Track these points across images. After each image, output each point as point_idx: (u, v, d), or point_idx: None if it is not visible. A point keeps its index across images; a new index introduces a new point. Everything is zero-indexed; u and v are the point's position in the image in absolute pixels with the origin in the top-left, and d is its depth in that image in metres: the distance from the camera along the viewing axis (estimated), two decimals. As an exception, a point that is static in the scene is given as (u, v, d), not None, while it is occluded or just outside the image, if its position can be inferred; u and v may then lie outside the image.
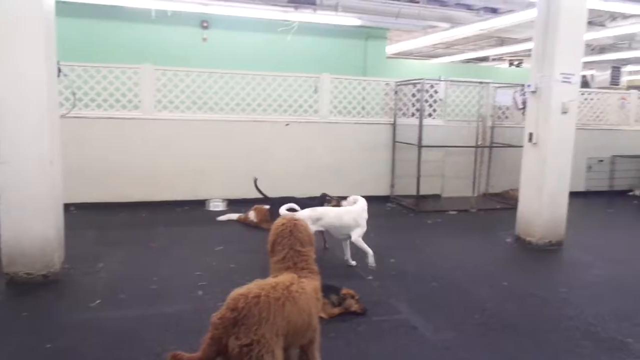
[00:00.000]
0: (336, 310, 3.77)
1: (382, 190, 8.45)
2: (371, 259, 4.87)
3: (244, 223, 6.49)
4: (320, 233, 5.22)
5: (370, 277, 4.69)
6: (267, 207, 6.54)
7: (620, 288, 4.69)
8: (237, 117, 7.71)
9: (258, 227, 6.27)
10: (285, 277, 2.47)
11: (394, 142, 8.37)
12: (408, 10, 8.90)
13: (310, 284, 2.53)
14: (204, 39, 10.24)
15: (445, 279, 4.75)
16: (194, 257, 5.14)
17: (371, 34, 11.34)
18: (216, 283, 4.32)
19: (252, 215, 6.44)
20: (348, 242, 5.05)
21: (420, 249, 5.79)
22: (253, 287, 2.35)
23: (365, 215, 4.99)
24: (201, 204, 7.44)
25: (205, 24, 10.17)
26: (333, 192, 8.03)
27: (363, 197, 8.22)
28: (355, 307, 3.82)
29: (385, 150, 8.41)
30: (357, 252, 4.98)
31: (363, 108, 8.38)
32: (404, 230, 6.72)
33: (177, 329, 3.51)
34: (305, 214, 4.79)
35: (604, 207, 8.79)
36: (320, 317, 3.55)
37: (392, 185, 8.47)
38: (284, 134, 7.88)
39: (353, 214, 4.95)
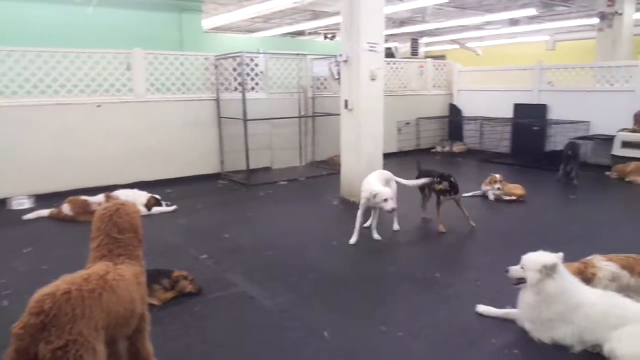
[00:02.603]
0: (169, 295, 3.60)
1: (212, 167, 8.27)
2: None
3: (57, 219, 5.79)
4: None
5: (204, 256, 4.57)
6: (84, 198, 5.94)
7: (429, 233, 5.35)
8: (35, 100, 6.74)
9: (74, 221, 5.64)
10: (98, 267, 2.25)
11: (219, 117, 8.20)
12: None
13: (130, 270, 2.34)
14: (-17, 12, 8.70)
15: (279, 246, 4.87)
16: (-5, 264, 4.43)
17: (185, 6, 10.85)
18: (25, 289, 3.72)
19: (66, 208, 5.76)
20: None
21: (253, 222, 5.84)
22: (60, 283, 2.10)
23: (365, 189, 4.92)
24: (1, 203, 6.42)
25: (-19, -6, 8.62)
26: (160, 175, 7.67)
27: (192, 177, 8.06)
28: (189, 287, 3.69)
29: (211, 127, 8.20)
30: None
31: (183, 84, 8.01)
32: (236, 205, 6.69)
33: (-23, 350, 2.98)
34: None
35: (413, 164, 9.84)
36: (152, 304, 3.37)
37: (222, 162, 8.34)
38: (96, 117, 7.15)
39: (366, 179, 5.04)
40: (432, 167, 5.96)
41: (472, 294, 3.72)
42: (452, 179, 5.27)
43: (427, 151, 11.07)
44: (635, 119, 8.01)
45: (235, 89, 8.21)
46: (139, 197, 6.09)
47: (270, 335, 3.16)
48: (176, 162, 7.88)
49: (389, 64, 10.69)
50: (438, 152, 11.02)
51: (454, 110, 11.50)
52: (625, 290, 3.28)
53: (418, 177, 5.63)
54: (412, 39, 15.47)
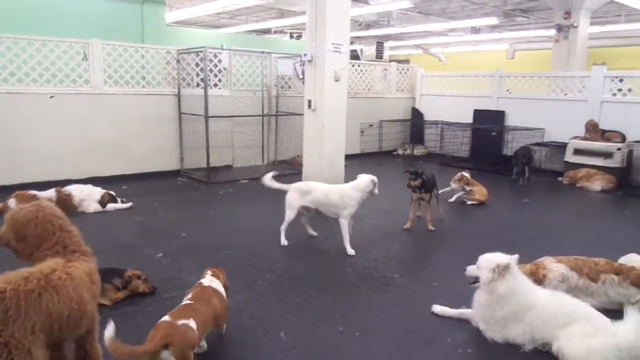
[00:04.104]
0: (121, 295, 3.48)
1: (171, 164, 8.09)
2: (348, 248, 4.65)
3: (1, 214, 5.51)
4: (307, 212, 4.93)
5: (159, 255, 4.45)
6: (33, 192, 5.68)
7: (387, 234, 5.38)
8: (-17, 89, 6.42)
9: (23, 216, 5.38)
10: (45, 265, 2.13)
11: (180, 113, 8.02)
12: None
13: (82, 267, 2.22)
14: None
15: (237, 246, 4.79)
16: None
17: (147, -2, 10.58)
18: (-35, 287, 3.57)
19: (12, 203, 5.47)
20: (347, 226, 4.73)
21: (212, 220, 5.74)
22: (-3, 282, 1.97)
23: (354, 195, 4.69)
24: (-58, 196, 6.07)
25: None
26: (117, 171, 7.44)
27: (150, 173, 7.83)
28: (143, 287, 3.58)
29: (171, 123, 8.01)
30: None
31: (143, 78, 7.80)
32: (196, 204, 6.56)
33: None
34: (294, 186, 4.81)
35: (375, 166, 9.93)
36: (102, 304, 3.25)
37: (182, 159, 8.16)
38: (49, 108, 6.86)
39: (340, 192, 4.71)
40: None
41: (428, 295, 3.76)
42: (424, 176, 5.42)
43: (389, 153, 11.19)
44: (587, 127, 8.33)
45: (198, 84, 8.06)
46: (93, 193, 5.90)
47: (226, 335, 3.09)
48: (134, 158, 7.66)
49: (353, 66, 10.74)
50: (400, 155, 11.16)
51: (416, 114, 11.67)
52: (574, 290, 3.40)
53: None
54: (378, 42, 15.64)
